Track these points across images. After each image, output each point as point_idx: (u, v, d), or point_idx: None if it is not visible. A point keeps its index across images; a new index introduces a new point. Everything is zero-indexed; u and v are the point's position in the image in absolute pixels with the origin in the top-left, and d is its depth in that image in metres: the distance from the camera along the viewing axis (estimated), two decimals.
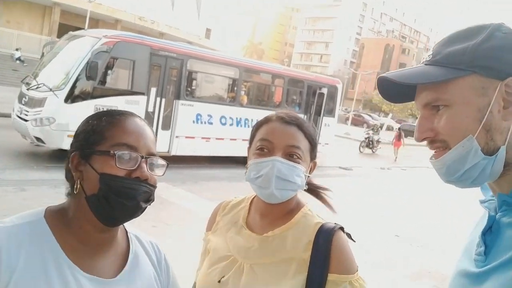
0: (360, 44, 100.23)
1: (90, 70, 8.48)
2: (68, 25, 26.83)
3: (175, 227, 5.87)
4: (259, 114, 10.73)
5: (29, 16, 29.52)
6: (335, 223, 1.24)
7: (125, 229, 1.15)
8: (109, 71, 9.20)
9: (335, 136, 15.59)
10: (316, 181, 1.41)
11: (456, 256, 1.03)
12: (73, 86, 8.57)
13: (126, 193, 0.98)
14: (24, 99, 8.98)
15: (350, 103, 52.83)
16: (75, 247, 0.99)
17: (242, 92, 12.31)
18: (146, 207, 1.03)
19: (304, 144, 1.26)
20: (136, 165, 1.00)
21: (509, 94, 0.85)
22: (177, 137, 10.22)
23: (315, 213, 1.30)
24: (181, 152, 10.15)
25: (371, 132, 22.44)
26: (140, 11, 31.71)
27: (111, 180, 0.97)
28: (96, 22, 29.96)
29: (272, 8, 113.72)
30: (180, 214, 6.38)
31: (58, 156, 9.28)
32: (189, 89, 11.27)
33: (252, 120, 11.79)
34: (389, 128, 40.96)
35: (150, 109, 9.85)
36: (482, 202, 0.95)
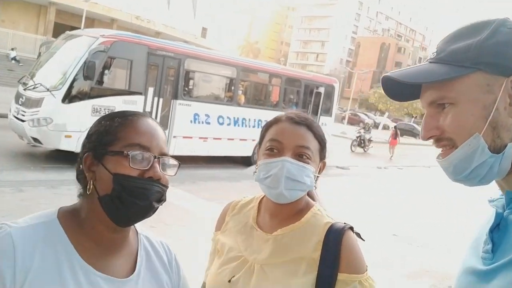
0: (356, 43, 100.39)
1: (87, 70, 8.42)
2: (64, 25, 26.70)
3: (174, 227, 5.86)
4: (257, 113, 10.77)
5: (24, 15, 29.37)
6: (344, 223, 1.24)
7: (136, 230, 1.16)
8: (107, 71, 9.14)
9: (331, 136, 15.62)
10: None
11: (459, 254, 1.03)
12: (71, 86, 8.52)
13: (139, 193, 0.98)
14: (21, 99, 8.92)
15: (346, 102, 52.95)
16: (88, 247, 1.00)
17: (240, 92, 12.29)
18: (158, 207, 1.04)
19: (313, 144, 1.26)
20: (149, 165, 1.01)
21: None
22: (174, 137, 10.20)
23: (324, 213, 1.31)
24: (179, 152, 10.09)
25: (362, 131, 22.07)
26: (136, 10, 31.63)
27: (124, 180, 0.98)
28: (92, 21, 29.83)
29: (268, 7, 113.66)
30: (178, 214, 6.37)
31: (55, 156, 9.25)
32: (186, 88, 11.23)
33: (249, 119, 11.79)
34: (385, 127, 41.07)
35: (148, 109, 9.82)
36: (490, 201, 0.94)
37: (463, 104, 0.85)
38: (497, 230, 0.89)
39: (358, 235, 1.25)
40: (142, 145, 1.01)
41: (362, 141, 21.39)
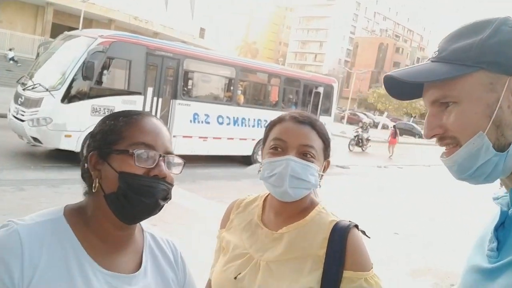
0: (354, 43, 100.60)
1: (86, 70, 8.44)
2: (62, 25, 26.69)
3: (175, 225, 5.85)
4: (256, 113, 10.79)
5: (22, 16, 29.31)
6: (349, 221, 1.25)
7: (142, 228, 1.16)
8: (106, 71, 9.13)
9: (331, 135, 15.58)
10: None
11: (462, 252, 1.03)
12: (70, 86, 8.52)
13: (145, 191, 0.99)
14: (20, 99, 8.92)
15: (345, 102, 53.04)
16: (94, 244, 1.00)
17: (239, 92, 12.29)
18: (163, 205, 1.04)
19: (317, 143, 1.27)
20: (155, 164, 1.01)
21: None
22: (174, 136, 10.17)
23: (329, 211, 1.31)
24: (179, 152, 9.81)
25: (360, 130, 21.94)
26: (134, 11, 31.60)
27: (130, 178, 0.98)
28: (90, 22, 29.81)
29: (266, 7, 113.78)
30: (179, 213, 6.36)
31: (55, 156, 9.26)
32: (185, 88, 11.24)
33: (249, 119, 11.80)
34: (384, 127, 41.15)
35: (147, 108, 9.81)
36: (495, 198, 0.94)
37: (466, 103, 0.85)
38: (502, 228, 0.89)
39: (363, 232, 1.26)
40: (147, 143, 1.01)
41: (360, 140, 21.29)
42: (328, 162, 1.34)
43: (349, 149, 20.91)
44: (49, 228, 0.96)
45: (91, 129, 6.36)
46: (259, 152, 12.26)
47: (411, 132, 42.49)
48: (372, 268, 1.20)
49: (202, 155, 11.04)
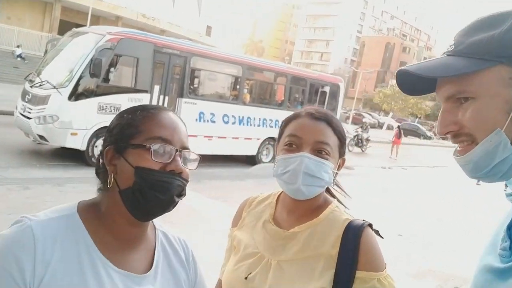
0: (360, 42, 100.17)
1: (94, 67, 8.41)
2: (69, 22, 26.74)
3: (179, 225, 5.84)
4: (262, 112, 10.73)
5: (30, 12, 29.41)
6: (363, 220, 1.23)
7: (154, 225, 1.16)
8: (113, 69, 9.10)
9: None
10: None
11: (465, 255, 1.02)
12: (77, 84, 8.50)
13: (161, 186, 0.98)
14: (27, 96, 8.92)
15: (350, 102, 52.83)
16: (107, 241, 1.00)
17: (245, 91, 12.24)
18: (178, 202, 1.03)
19: (333, 140, 1.25)
20: (171, 159, 1.01)
21: None
22: None
23: (343, 209, 1.30)
24: None
25: (360, 130, 21.53)
26: (141, 8, 31.64)
27: (146, 173, 0.97)
28: (97, 18, 29.90)
29: (273, 5, 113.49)
30: (184, 213, 6.36)
31: (60, 154, 9.27)
32: (192, 87, 11.21)
33: (254, 118, 11.75)
34: (389, 127, 41.01)
35: None
36: (508, 195, 0.91)
37: (484, 99, 0.82)
38: None
39: (377, 232, 1.24)
40: (163, 138, 1.01)
41: (360, 141, 20.87)
42: (343, 160, 1.32)
43: (348, 149, 20.50)
44: (63, 224, 0.96)
45: (97, 127, 6.39)
46: (264, 152, 12.29)
47: (415, 133, 42.26)
48: (385, 268, 1.17)
49: (207, 154, 11.04)
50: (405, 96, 41.73)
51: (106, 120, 8.44)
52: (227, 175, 10.14)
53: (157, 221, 1.15)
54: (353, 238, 1.18)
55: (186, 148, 1.06)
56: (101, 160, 1.04)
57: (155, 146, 0.99)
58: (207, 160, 11.07)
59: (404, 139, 21.37)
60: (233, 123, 11.36)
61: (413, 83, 0.92)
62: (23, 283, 0.87)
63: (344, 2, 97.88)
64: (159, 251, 1.12)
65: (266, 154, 12.32)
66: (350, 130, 26.72)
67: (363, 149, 21.16)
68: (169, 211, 1.03)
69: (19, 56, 24.91)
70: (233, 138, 11.31)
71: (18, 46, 25.37)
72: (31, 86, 9.07)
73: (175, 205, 1.03)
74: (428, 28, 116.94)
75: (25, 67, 21.68)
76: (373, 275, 1.14)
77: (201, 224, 6.18)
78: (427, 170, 18.26)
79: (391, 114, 47.18)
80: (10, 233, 0.91)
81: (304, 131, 1.24)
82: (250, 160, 11.91)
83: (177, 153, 1.02)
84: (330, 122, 1.26)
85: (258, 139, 11.80)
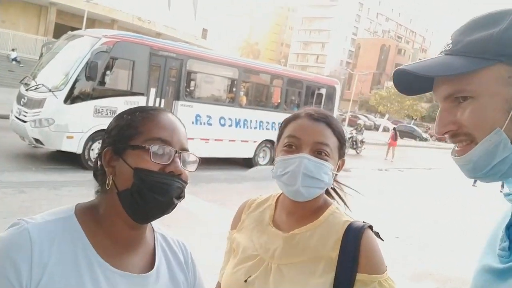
0: (356, 44, 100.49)
1: (90, 70, 8.39)
2: (64, 25, 26.69)
3: (176, 228, 5.80)
4: (258, 115, 10.73)
5: (24, 16, 29.32)
6: (363, 222, 1.22)
7: (152, 228, 1.14)
8: (109, 72, 9.09)
9: None
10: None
11: (463, 257, 1.01)
12: (73, 87, 8.47)
13: (160, 188, 0.97)
14: (23, 100, 8.88)
15: (346, 104, 52.95)
16: (105, 244, 0.99)
17: (241, 93, 12.26)
18: (177, 204, 1.02)
19: (332, 141, 1.24)
20: (170, 160, 1.00)
21: None
22: None
23: (343, 211, 1.29)
24: None
25: (354, 132, 21.41)
26: (136, 11, 31.61)
27: (145, 174, 0.96)
28: (93, 22, 29.80)
29: (268, 8, 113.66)
30: (180, 216, 6.33)
31: (56, 157, 9.22)
32: (188, 89, 11.21)
33: (251, 121, 11.75)
34: (386, 129, 41.10)
35: None
36: (506, 195, 0.90)
37: (483, 98, 0.81)
38: None
39: (377, 234, 1.22)
40: (163, 139, 1.00)
41: (354, 143, 20.72)
42: (343, 161, 1.31)
43: None
44: (60, 227, 0.95)
45: (93, 130, 6.38)
46: (261, 155, 12.29)
47: (411, 135, 42.38)
48: (386, 271, 1.16)
49: (204, 157, 11.01)
50: (401, 98, 41.88)
51: (102, 123, 8.45)
52: (224, 178, 10.12)
53: (156, 224, 1.14)
54: (353, 240, 1.17)
55: (185, 149, 1.05)
56: (99, 162, 1.04)
57: (154, 147, 0.98)
58: (204, 162, 10.91)
59: (400, 141, 21.44)
60: (230, 125, 11.34)
61: (410, 82, 0.91)
62: (19, 286, 0.86)
63: (339, 5, 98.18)
64: (159, 253, 1.10)
65: (263, 157, 12.32)
66: (345, 132, 26.61)
67: (358, 151, 21.03)
68: (168, 213, 1.01)
69: (14, 59, 24.85)
70: (229, 140, 11.29)
71: (13, 50, 25.33)
72: (26, 90, 9.02)
73: (174, 207, 1.02)
74: (423, 30, 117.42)
75: (20, 71, 21.62)
76: (374, 277, 1.13)
77: (198, 227, 6.16)
78: (424, 172, 18.30)
79: (387, 116, 47.24)
80: (6, 235, 0.90)
81: (303, 132, 1.23)
82: (247, 163, 11.91)
83: (177, 154, 1.01)
84: (329, 123, 1.25)
85: (255, 141, 11.79)
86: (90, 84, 8.63)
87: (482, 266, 0.91)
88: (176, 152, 1.01)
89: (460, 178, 0.90)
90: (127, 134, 1.00)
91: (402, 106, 43.69)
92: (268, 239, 1.28)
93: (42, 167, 8.49)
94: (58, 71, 9.03)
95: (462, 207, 10.77)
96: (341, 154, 1.29)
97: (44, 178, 7.64)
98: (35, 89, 8.78)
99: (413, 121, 53.20)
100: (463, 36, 0.85)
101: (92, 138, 8.62)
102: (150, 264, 1.07)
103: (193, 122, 10.51)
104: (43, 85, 8.66)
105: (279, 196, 1.37)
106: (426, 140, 43.11)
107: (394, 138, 21.43)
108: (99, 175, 1.04)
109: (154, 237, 1.13)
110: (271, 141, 11.96)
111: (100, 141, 1.08)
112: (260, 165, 12.03)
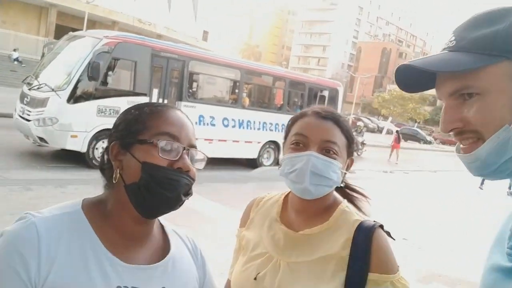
0: (357, 47, 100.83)
1: (92, 70, 8.44)
2: (65, 27, 26.82)
3: (182, 227, 5.80)
4: (261, 116, 10.76)
5: (25, 17, 29.43)
6: (374, 221, 1.20)
7: (161, 224, 1.13)
8: (111, 72, 9.13)
9: None
10: (353, 183, 1.35)
11: (471, 259, 0.96)
12: (75, 87, 8.51)
13: (168, 183, 0.95)
14: (26, 99, 8.94)
15: (349, 107, 53.02)
16: (112, 238, 0.98)
17: (244, 94, 12.29)
18: (184, 201, 1.00)
19: (340, 139, 1.23)
20: (178, 156, 0.98)
21: None
22: None
23: (353, 210, 1.27)
24: None
25: (354, 133, 21.66)
26: (137, 13, 31.66)
27: (153, 169, 0.95)
28: (93, 23, 29.87)
29: (268, 10, 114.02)
30: (186, 215, 6.26)
31: (60, 156, 9.27)
32: (191, 90, 11.24)
33: (254, 122, 11.77)
34: (389, 132, 41.13)
35: None
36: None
37: (491, 95, 0.79)
38: None
39: (388, 233, 1.19)
40: (171, 134, 0.99)
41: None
42: (352, 160, 1.29)
43: None
44: (67, 221, 0.94)
45: (97, 129, 6.36)
46: (265, 155, 12.30)
47: (415, 138, 42.46)
48: (398, 270, 1.13)
49: (208, 157, 10.98)
50: (404, 101, 41.99)
51: (106, 122, 8.52)
52: (229, 178, 10.10)
53: (163, 220, 1.13)
54: (364, 239, 1.15)
55: (193, 146, 1.04)
56: (105, 156, 1.03)
57: (162, 143, 0.97)
58: (208, 162, 11.04)
59: (404, 144, 21.49)
60: (233, 126, 11.37)
61: (412, 79, 0.91)
62: (28, 279, 0.85)
63: (339, 9, 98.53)
64: (172, 244, 1.09)
65: (267, 158, 12.35)
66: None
67: (358, 153, 21.02)
68: (175, 209, 1.00)
69: (16, 59, 25.00)
70: (233, 141, 11.30)
71: (14, 50, 25.49)
72: (29, 89, 9.08)
73: (181, 204, 1.00)
74: (423, 34, 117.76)
75: (22, 71, 21.72)
76: (386, 277, 1.11)
77: (203, 226, 6.12)
78: (429, 175, 18.27)
79: (390, 118, 47.30)
80: (14, 229, 0.89)
81: (310, 130, 1.22)
82: (251, 164, 11.92)
83: (185, 151, 1.00)
84: (337, 121, 1.24)
85: (258, 142, 11.81)
86: (93, 84, 8.67)
87: (491, 265, 0.90)
88: (184, 148, 1.00)
89: (466, 181, 0.84)
90: (134, 128, 0.99)
91: (405, 109, 43.72)
92: (277, 237, 1.26)
93: (47, 165, 8.52)
94: (60, 71, 9.08)
95: (469, 209, 10.72)
96: (350, 153, 1.27)
97: (49, 176, 7.66)
98: (38, 88, 8.83)
99: (416, 124, 53.26)
100: (467, 32, 0.83)
101: (96, 137, 8.68)
102: (158, 258, 1.05)
103: (196, 123, 10.51)
104: (45, 84, 8.71)
105: (288, 194, 1.35)
106: (430, 143, 43.19)
107: (397, 140, 21.56)
108: (106, 169, 1.03)
109: (164, 231, 1.12)
110: (275, 142, 11.98)
111: (104, 141, 1.04)
112: (265, 166, 12.04)
